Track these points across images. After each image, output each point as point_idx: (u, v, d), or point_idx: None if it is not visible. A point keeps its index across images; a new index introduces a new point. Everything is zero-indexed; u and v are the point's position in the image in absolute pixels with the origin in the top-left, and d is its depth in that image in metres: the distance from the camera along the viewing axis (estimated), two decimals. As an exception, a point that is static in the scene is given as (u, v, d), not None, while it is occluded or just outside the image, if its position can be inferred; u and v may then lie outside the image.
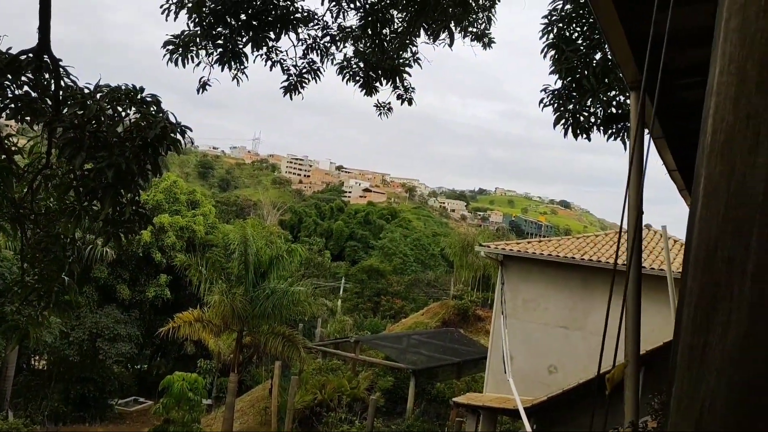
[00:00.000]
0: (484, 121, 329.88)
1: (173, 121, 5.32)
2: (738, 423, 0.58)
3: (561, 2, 7.82)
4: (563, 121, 7.71)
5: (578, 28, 7.75)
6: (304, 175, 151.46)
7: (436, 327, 35.15)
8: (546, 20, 7.78)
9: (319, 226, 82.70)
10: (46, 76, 5.51)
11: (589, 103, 7.58)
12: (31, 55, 5.39)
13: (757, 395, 0.57)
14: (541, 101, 7.88)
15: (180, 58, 8.58)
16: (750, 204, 0.61)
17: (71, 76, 5.56)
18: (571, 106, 7.72)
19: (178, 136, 5.28)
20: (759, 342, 0.58)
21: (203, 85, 9.05)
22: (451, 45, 9.33)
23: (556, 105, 7.81)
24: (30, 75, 5.36)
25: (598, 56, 7.46)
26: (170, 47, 8.57)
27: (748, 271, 0.60)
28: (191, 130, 5.44)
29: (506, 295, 16.78)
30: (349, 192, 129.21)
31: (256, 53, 9.01)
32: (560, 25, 7.76)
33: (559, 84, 7.77)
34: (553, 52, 7.69)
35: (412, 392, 23.08)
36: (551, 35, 7.72)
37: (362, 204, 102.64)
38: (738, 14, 0.68)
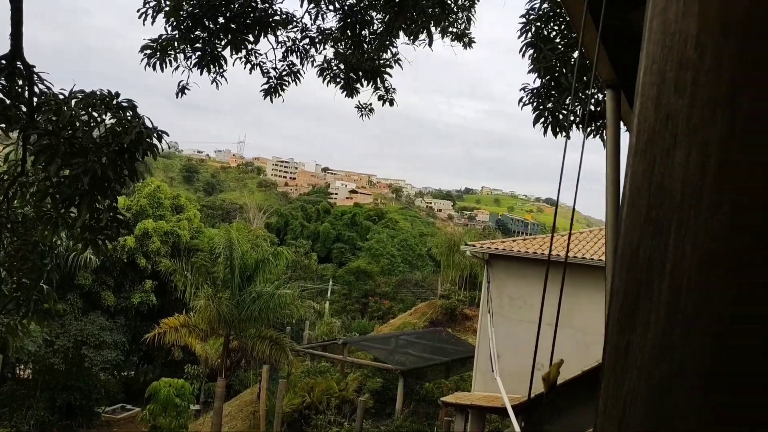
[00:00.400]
0: (470, 120, 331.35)
1: (149, 125, 5.28)
2: (656, 422, 0.59)
3: (538, 1, 7.86)
4: (542, 119, 7.75)
5: (555, 27, 7.80)
6: (290, 178, 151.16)
7: (424, 327, 35.21)
8: (524, 19, 7.81)
9: (306, 229, 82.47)
10: (20, 82, 5.45)
11: (567, 101, 7.62)
12: (3, 61, 5.33)
13: (674, 394, 0.58)
14: (520, 100, 7.92)
15: (158, 62, 8.53)
16: (668, 204, 0.62)
17: (45, 82, 5.51)
18: (550, 105, 7.77)
19: (155, 141, 5.24)
20: (675, 340, 0.59)
21: (182, 89, 9.01)
22: (430, 45, 9.35)
23: (535, 104, 7.85)
24: (3, 81, 5.30)
25: (575, 54, 7.50)
26: (148, 51, 8.51)
27: (667, 271, 0.61)
28: (168, 135, 5.41)
29: (492, 293, 16.83)
30: (336, 194, 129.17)
31: (235, 56, 8.98)
32: (538, 24, 7.80)
33: (538, 83, 7.82)
34: (531, 51, 7.73)
35: (401, 393, 23.09)
36: (529, 34, 7.76)
37: (349, 205, 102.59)
38: (660, 14, 0.69)
